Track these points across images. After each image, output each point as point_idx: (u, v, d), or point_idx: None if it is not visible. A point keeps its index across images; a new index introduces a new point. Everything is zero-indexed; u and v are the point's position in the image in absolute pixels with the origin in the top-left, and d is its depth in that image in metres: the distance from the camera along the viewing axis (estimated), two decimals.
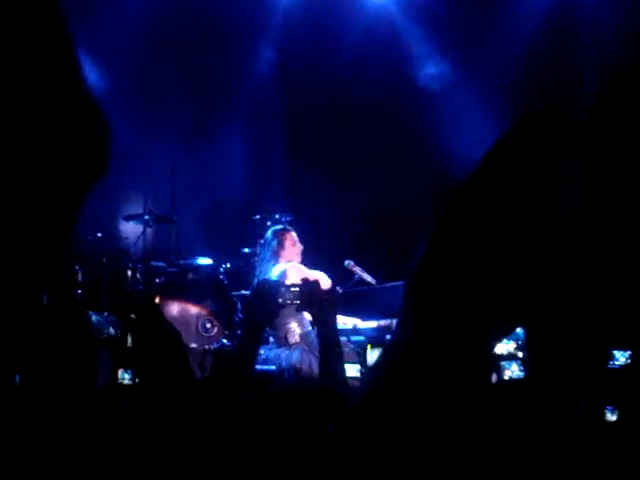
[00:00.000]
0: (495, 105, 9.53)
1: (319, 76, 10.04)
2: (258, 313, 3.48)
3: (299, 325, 6.82)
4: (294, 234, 7.11)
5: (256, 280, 7.10)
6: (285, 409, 1.67)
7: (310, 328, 6.82)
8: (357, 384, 5.15)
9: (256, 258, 8.70)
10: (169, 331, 2.70)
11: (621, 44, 8.76)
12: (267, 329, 7.03)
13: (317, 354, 6.42)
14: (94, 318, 7.29)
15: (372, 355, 5.32)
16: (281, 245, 7.01)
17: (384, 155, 9.89)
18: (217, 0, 9.67)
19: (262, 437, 1.64)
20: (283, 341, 6.84)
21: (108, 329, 7.33)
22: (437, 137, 9.76)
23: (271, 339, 7.10)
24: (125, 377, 4.42)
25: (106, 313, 7.30)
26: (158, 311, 2.79)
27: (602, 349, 4.44)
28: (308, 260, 7.15)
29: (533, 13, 9.47)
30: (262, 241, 7.21)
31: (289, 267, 6.87)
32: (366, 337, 6.83)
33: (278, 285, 3.65)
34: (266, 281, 5.17)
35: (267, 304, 3.52)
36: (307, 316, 6.86)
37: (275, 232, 7.12)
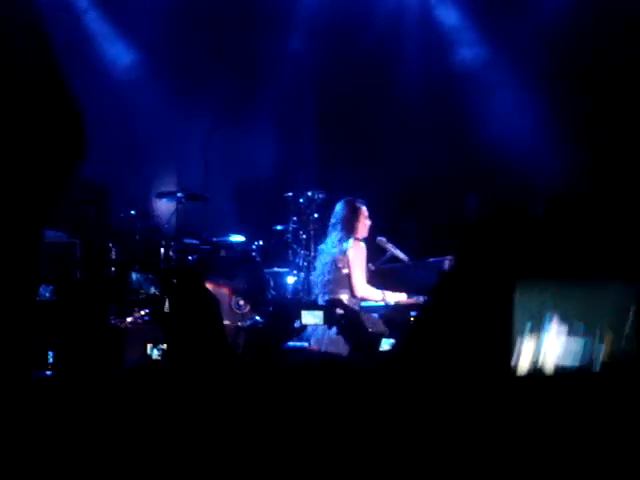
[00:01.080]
0: (526, 87, 9.45)
1: (351, 55, 10.00)
2: (275, 330, 3.55)
3: (348, 298, 6.85)
4: (366, 211, 7.13)
5: (321, 246, 7.18)
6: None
7: (357, 308, 6.86)
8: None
9: (289, 235, 8.74)
10: (208, 297, 2.71)
11: None
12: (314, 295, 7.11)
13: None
14: (134, 276, 7.38)
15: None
16: (357, 218, 7.04)
17: (415, 135, 9.84)
18: None
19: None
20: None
21: (148, 288, 7.43)
22: (468, 118, 9.69)
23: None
24: (154, 353, 4.44)
25: (147, 274, 7.41)
26: (199, 277, 2.80)
27: None
28: None
29: None
30: (338, 209, 7.16)
31: (354, 246, 6.92)
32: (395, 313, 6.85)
33: (298, 306, 3.73)
34: (285, 303, 5.29)
35: (285, 325, 3.60)
36: (357, 294, 6.91)
37: (351, 203, 7.11)
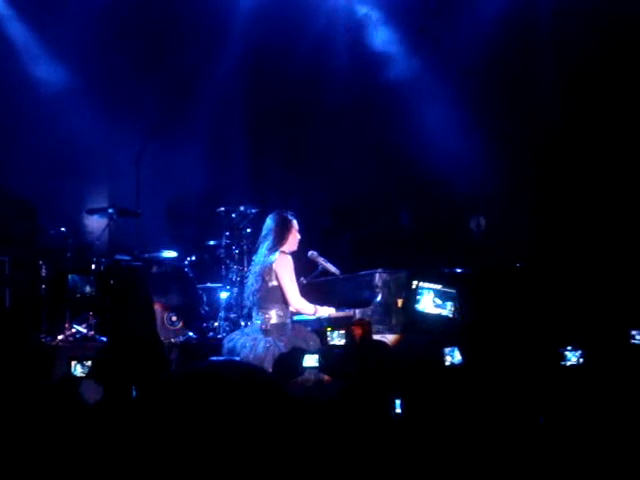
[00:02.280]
0: (457, 98, 9.62)
1: (283, 70, 10.05)
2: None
3: (277, 314, 6.87)
4: (297, 225, 7.15)
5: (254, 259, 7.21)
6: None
7: (288, 321, 6.89)
8: (314, 375, 5.20)
9: (222, 250, 8.74)
10: (145, 294, 2.72)
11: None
12: (245, 310, 7.13)
13: (284, 347, 6.54)
14: (71, 278, 7.31)
15: (332, 336, 5.38)
16: (287, 231, 7.06)
17: (349, 149, 9.92)
18: None
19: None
20: (254, 324, 6.91)
21: (84, 288, 7.37)
22: (400, 132, 9.81)
23: (242, 322, 7.14)
24: (77, 370, 4.39)
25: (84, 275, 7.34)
26: (136, 274, 2.80)
27: (554, 349, 4.55)
28: None
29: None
30: (269, 221, 7.19)
31: (280, 258, 6.94)
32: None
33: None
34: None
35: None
36: (291, 308, 6.94)
37: (282, 216, 7.13)
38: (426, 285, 4.04)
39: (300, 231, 7.15)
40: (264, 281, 6.92)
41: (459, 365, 4.10)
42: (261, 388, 1.76)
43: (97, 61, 9.58)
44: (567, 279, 7.67)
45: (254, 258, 7.25)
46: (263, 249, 7.07)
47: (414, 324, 5.97)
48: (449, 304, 3.75)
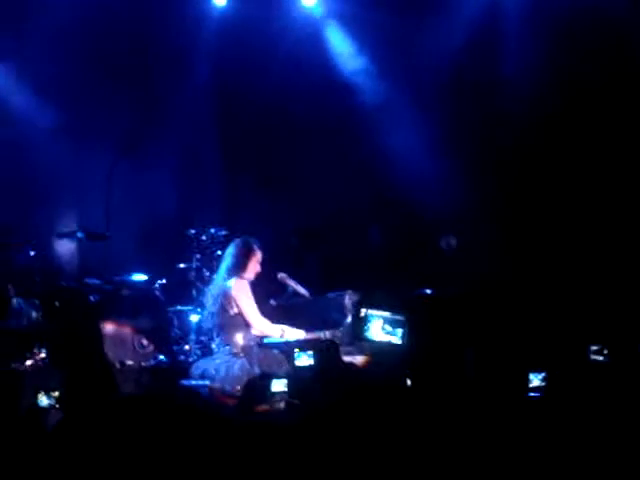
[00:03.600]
0: (426, 118, 9.70)
1: (254, 91, 10.07)
2: None
3: (243, 337, 6.90)
4: (260, 254, 7.17)
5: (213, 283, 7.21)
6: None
7: (253, 343, 6.91)
8: (283, 400, 5.20)
9: (192, 273, 8.72)
10: (91, 316, 2.72)
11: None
12: (214, 334, 7.14)
13: (258, 368, 6.55)
14: (16, 302, 7.24)
15: (299, 357, 5.40)
16: (248, 259, 7.08)
17: (319, 169, 9.95)
18: (152, 18, 9.64)
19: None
20: (226, 347, 6.92)
21: (30, 313, 7.30)
22: (370, 151, 9.87)
23: (215, 348, 7.14)
24: (43, 402, 4.35)
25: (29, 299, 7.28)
26: (81, 297, 2.78)
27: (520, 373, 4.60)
28: None
29: (463, 25, 9.62)
30: (232, 247, 7.21)
31: (237, 284, 6.96)
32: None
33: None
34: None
35: None
36: (254, 331, 6.96)
37: (246, 242, 7.16)
38: (375, 312, 4.07)
39: (270, 252, 7.18)
40: (224, 309, 6.95)
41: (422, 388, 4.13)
42: (196, 417, 1.78)
43: (65, 84, 9.52)
44: (529, 299, 7.73)
45: (214, 277, 7.28)
46: (222, 272, 7.10)
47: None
48: (399, 331, 3.78)
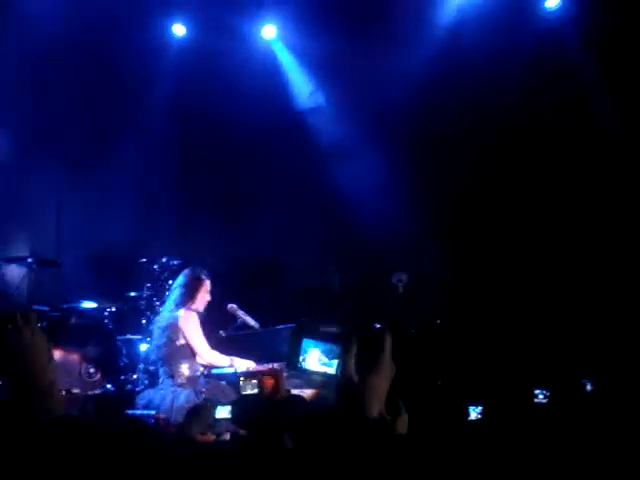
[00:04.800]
0: (383, 158, 9.80)
1: (211, 120, 10.09)
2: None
3: (189, 368, 6.87)
4: (209, 284, 7.16)
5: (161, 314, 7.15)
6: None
7: (199, 373, 6.88)
8: (227, 427, 5.18)
9: (142, 302, 8.67)
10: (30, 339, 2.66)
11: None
12: (160, 365, 7.07)
13: (204, 399, 6.51)
14: None
15: (245, 386, 5.39)
16: (198, 289, 7.07)
17: (273, 203, 9.99)
18: (110, 46, 9.65)
19: None
20: (171, 379, 6.87)
21: None
22: (327, 185, 9.93)
23: (160, 379, 7.09)
24: None
25: None
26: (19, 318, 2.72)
27: (458, 404, 4.63)
28: None
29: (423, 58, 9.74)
30: (181, 277, 7.19)
31: (185, 315, 6.94)
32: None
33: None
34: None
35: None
36: (199, 360, 6.92)
37: (196, 273, 7.14)
38: (312, 342, 4.08)
39: (221, 283, 7.17)
40: (170, 340, 6.92)
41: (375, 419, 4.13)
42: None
43: (18, 105, 9.46)
44: (475, 336, 7.80)
45: (161, 309, 7.25)
46: (170, 303, 7.08)
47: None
48: (335, 362, 3.79)
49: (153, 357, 7.26)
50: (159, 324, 7.12)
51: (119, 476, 1.92)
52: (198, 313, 7.12)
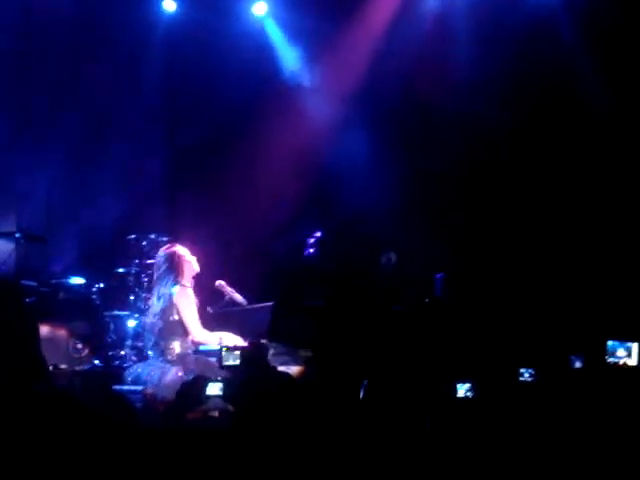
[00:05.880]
0: (373, 133, 9.78)
1: (200, 97, 10.06)
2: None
3: (180, 345, 6.87)
4: (190, 256, 7.13)
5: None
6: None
7: (190, 350, 6.88)
8: (217, 404, 5.20)
9: (130, 278, 8.67)
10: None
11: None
12: (150, 341, 7.07)
13: (192, 376, 6.51)
14: None
15: (227, 357, 5.42)
16: (179, 263, 7.05)
17: (263, 182, 9.95)
18: (99, 14, 9.60)
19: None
20: (161, 355, 6.88)
21: None
22: (317, 166, 9.90)
23: (150, 353, 7.09)
24: None
25: None
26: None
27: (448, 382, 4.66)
28: None
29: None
30: (159, 260, 7.18)
31: (180, 291, 6.93)
32: None
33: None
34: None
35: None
36: (190, 338, 6.92)
37: (169, 253, 7.12)
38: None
39: (211, 260, 7.16)
40: (164, 315, 6.91)
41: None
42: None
43: (11, 87, 9.42)
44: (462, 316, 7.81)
45: (152, 299, 7.20)
46: (162, 288, 7.04)
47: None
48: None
49: (145, 331, 7.25)
50: (153, 310, 7.08)
51: (102, 450, 1.93)
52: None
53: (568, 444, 3.95)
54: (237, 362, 5.24)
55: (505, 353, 6.63)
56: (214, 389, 5.22)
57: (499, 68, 9.22)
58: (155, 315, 7.01)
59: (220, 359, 5.63)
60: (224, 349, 5.44)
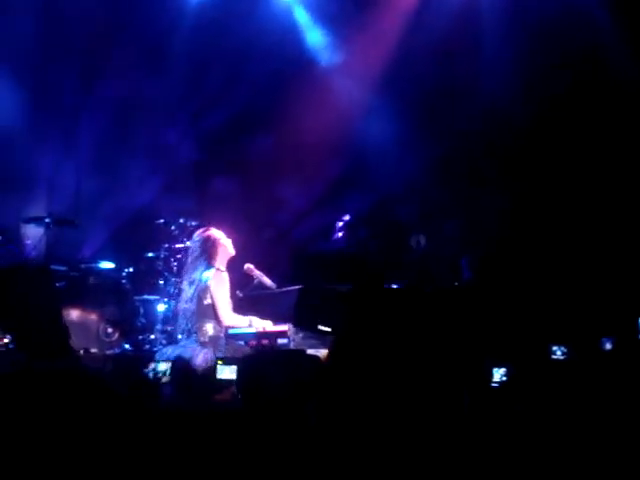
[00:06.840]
0: (401, 116, 9.72)
1: (228, 82, 10.04)
2: None
3: (214, 327, 6.85)
4: (226, 240, 7.12)
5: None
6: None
7: (222, 334, 6.87)
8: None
9: (160, 262, 8.68)
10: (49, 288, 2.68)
11: None
12: (182, 326, 7.07)
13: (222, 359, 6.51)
14: None
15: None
16: (214, 246, 7.04)
17: (292, 166, 9.92)
18: (129, 10, 9.61)
19: None
20: (194, 335, 6.87)
21: None
22: (343, 144, 9.86)
23: (180, 337, 7.09)
24: None
25: None
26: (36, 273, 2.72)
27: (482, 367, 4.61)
28: None
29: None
30: (193, 244, 7.17)
31: (216, 275, 6.92)
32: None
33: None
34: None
35: None
36: (222, 322, 6.92)
37: (204, 237, 7.09)
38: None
39: (241, 244, 7.13)
40: (199, 299, 6.89)
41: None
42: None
43: (40, 72, 9.45)
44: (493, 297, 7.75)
45: (184, 283, 7.18)
46: (195, 271, 7.02)
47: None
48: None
49: (176, 316, 7.24)
50: (188, 293, 7.06)
51: (124, 429, 1.91)
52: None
53: (599, 424, 3.90)
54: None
55: (537, 333, 6.56)
56: (228, 373, 5.15)
57: (529, 48, 9.11)
58: (187, 300, 7.00)
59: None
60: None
